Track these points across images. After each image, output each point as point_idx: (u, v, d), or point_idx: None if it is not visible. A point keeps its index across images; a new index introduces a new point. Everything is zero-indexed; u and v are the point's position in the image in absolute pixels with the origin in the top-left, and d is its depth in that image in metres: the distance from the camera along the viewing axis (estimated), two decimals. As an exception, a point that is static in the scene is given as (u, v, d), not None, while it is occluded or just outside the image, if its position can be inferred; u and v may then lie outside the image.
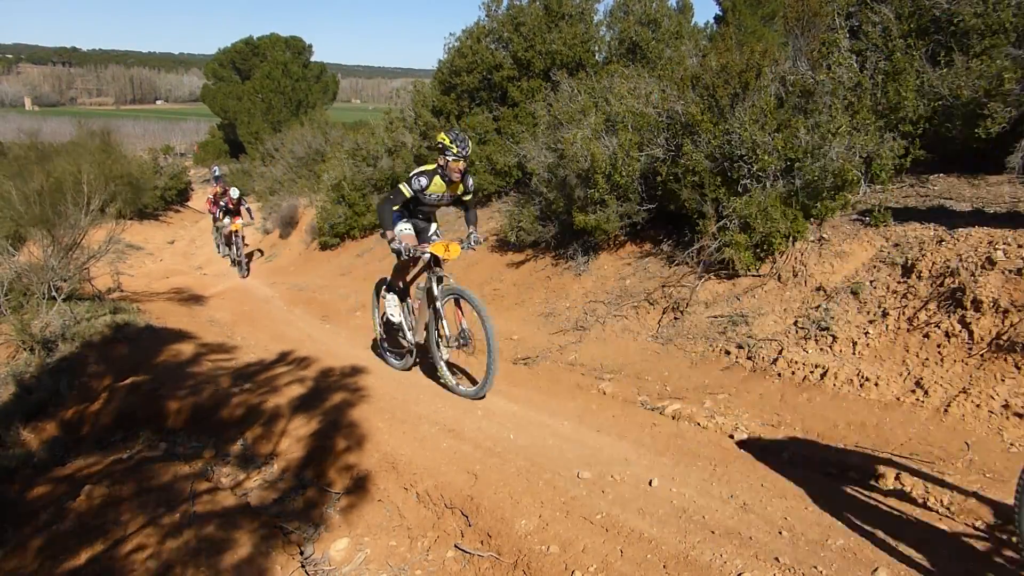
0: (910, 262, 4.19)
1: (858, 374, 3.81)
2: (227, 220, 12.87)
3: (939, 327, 3.72)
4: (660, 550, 2.54)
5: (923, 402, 3.47)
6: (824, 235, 4.92)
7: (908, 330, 3.87)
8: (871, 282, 4.34)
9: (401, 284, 5.05)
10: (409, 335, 5.00)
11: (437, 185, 4.55)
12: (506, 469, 3.27)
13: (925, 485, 2.88)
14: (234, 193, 12.79)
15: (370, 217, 11.52)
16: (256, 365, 5.35)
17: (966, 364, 3.50)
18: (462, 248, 4.52)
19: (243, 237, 13.00)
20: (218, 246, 15.15)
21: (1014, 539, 2.43)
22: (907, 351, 3.78)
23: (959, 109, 5.07)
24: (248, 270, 12.68)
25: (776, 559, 2.42)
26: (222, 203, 13.07)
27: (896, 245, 4.49)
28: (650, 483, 3.09)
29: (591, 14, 10.21)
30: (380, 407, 4.17)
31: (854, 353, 3.98)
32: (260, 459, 3.91)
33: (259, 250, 15.09)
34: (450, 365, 4.71)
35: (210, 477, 3.75)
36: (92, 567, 2.88)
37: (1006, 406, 3.22)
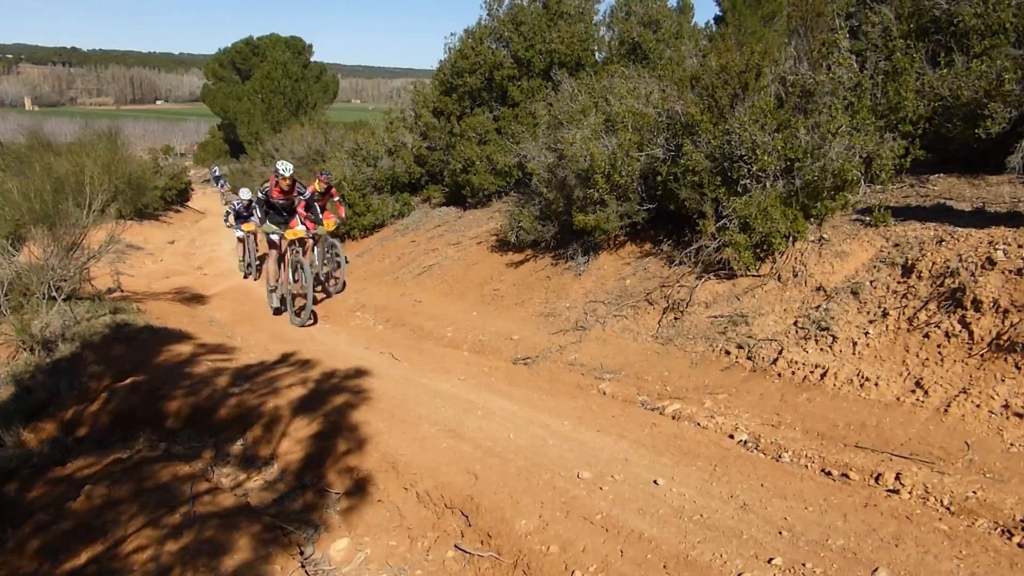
0: (910, 262, 4.19)
1: (858, 374, 3.81)
2: (268, 225, 7.57)
3: (939, 327, 3.72)
4: (660, 550, 2.54)
5: (923, 402, 3.47)
6: (824, 235, 4.92)
7: (908, 330, 3.86)
8: (871, 282, 4.34)
9: None
10: None
11: None
12: (506, 469, 3.27)
13: (925, 485, 2.88)
14: (283, 169, 7.41)
15: (370, 217, 11.52)
16: (256, 365, 5.35)
17: (966, 364, 3.50)
18: None
19: (343, 257, 8.70)
20: (248, 267, 11.33)
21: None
22: (907, 351, 3.78)
23: (959, 109, 5.07)
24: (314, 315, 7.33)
25: (776, 559, 2.42)
26: (260, 193, 7.76)
27: (896, 245, 4.49)
28: (650, 483, 3.09)
29: (591, 14, 10.23)
30: (380, 407, 4.17)
31: (854, 353, 3.98)
32: (260, 459, 3.91)
33: (324, 293, 8.71)
34: None
35: (210, 477, 3.75)
36: (92, 567, 2.88)
37: (1006, 406, 3.22)
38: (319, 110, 29.95)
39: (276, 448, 3.91)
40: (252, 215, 11.41)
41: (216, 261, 14.91)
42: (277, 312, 7.84)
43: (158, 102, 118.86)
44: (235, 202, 11.89)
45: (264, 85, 33.66)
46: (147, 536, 3.02)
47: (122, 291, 9.28)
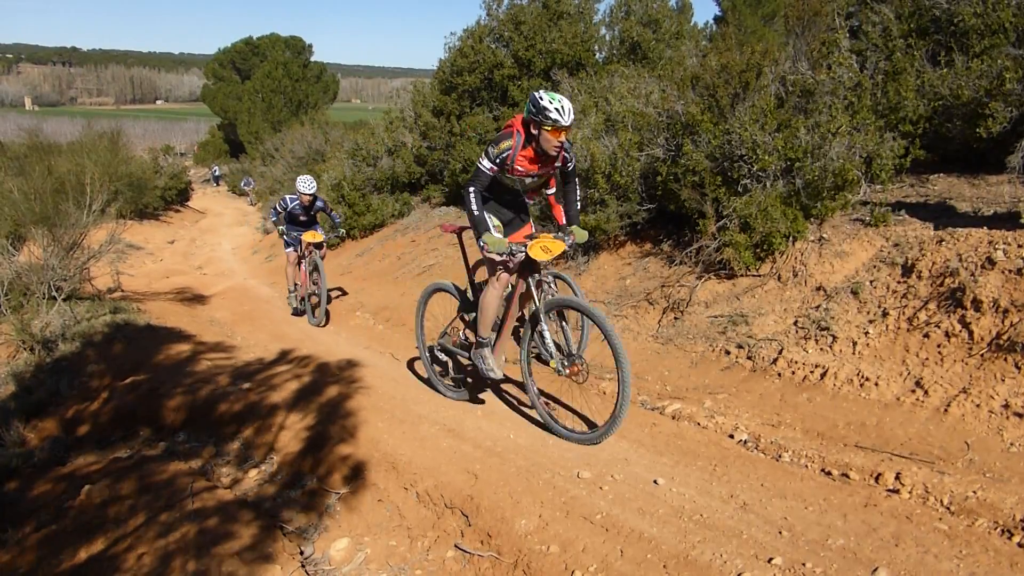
0: (910, 262, 4.19)
1: (858, 374, 3.81)
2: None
3: (939, 327, 3.72)
4: (660, 550, 2.54)
5: (923, 402, 3.47)
6: (824, 235, 4.92)
7: (908, 330, 3.86)
8: (871, 282, 4.34)
9: None
10: None
11: None
12: (506, 469, 3.27)
13: (925, 485, 2.88)
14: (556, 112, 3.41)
15: (370, 217, 11.52)
16: (256, 364, 5.35)
17: (966, 364, 3.50)
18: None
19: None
20: (304, 301, 7.75)
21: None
22: (907, 351, 3.78)
23: (959, 109, 5.07)
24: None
25: (776, 559, 2.42)
26: (496, 159, 3.55)
27: (896, 245, 4.49)
28: (650, 483, 3.09)
29: (591, 13, 10.23)
30: (380, 407, 4.17)
31: (854, 353, 3.98)
32: (259, 458, 3.91)
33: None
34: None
35: (209, 476, 3.75)
36: (92, 566, 2.88)
37: (1006, 406, 3.22)
38: (319, 110, 29.94)
39: (275, 447, 3.91)
40: (314, 219, 7.71)
41: (216, 261, 14.92)
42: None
43: (158, 102, 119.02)
44: (286, 198, 7.58)
45: (264, 85, 33.67)
46: (146, 535, 3.01)
47: (122, 291, 9.28)
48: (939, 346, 3.66)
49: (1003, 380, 3.31)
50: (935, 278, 3.97)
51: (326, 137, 18.14)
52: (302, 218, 7.64)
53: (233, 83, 36.36)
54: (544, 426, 3.77)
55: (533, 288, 3.73)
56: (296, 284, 7.92)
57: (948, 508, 2.75)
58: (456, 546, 2.84)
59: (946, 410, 3.36)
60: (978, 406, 3.29)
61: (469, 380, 4.34)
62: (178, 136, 57.90)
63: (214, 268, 14.21)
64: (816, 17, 6.01)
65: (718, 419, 3.82)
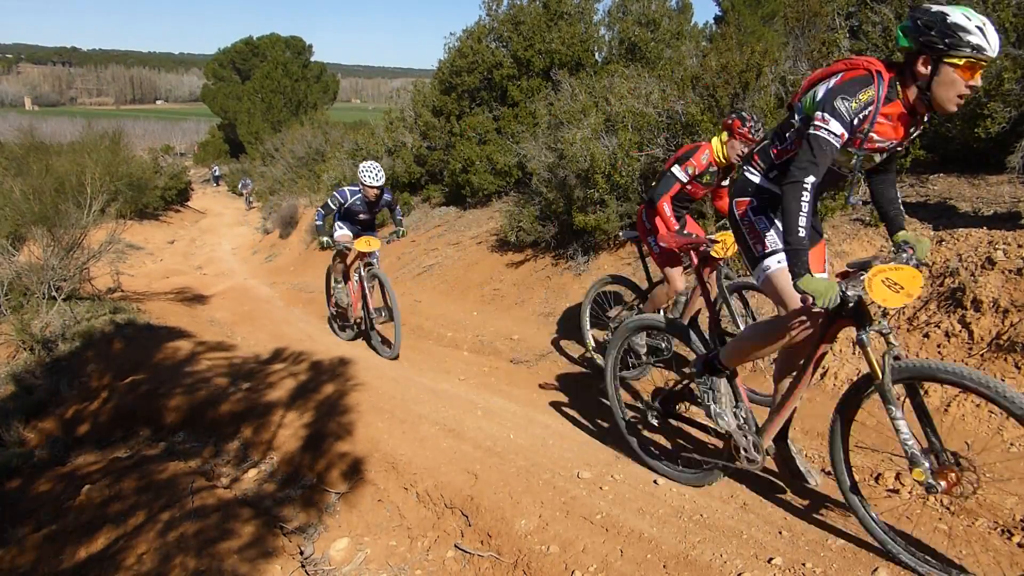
0: (910, 262, 4.19)
1: (858, 373, 3.80)
2: None
3: (939, 327, 3.72)
4: (660, 550, 2.54)
5: (923, 402, 3.47)
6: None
7: (908, 330, 3.86)
8: (871, 282, 4.34)
9: None
10: None
11: None
12: (506, 469, 3.27)
13: (925, 485, 2.88)
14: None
15: (370, 217, 11.52)
16: (255, 365, 5.35)
17: (966, 364, 3.50)
18: None
19: None
20: (356, 325, 6.31)
21: None
22: (907, 351, 3.78)
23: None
24: None
25: (776, 559, 2.42)
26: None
27: (896, 245, 4.48)
28: (650, 483, 3.09)
29: (590, 14, 10.22)
30: (380, 407, 4.17)
31: (854, 353, 3.98)
32: (259, 458, 3.91)
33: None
34: None
35: (209, 476, 3.75)
36: (92, 564, 2.89)
37: (1006, 406, 3.22)
38: (319, 110, 29.95)
39: (275, 446, 3.91)
40: (375, 219, 6.24)
41: (216, 261, 14.92)
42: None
43: (158, 102, 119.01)
44: (345, 191, 5.98)
45: (264, 85, 33.66)
46: (146, 534, 3.02)
47: (122, 291, 9.28)
48: (939, 346, 3.66)
49: (1003, 380, 3.31)
50: (935, 278, 3.97)
51: (326, 137, 18.14)
52: (361, 216, 6.01)
53: (233, 83, 36.36)
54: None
55: (868, 347, 2.36)
56: (347, 298, 6.19)
57: (948, 508, 2.75)
58: (456, 546, 2.84)
59: (946, 410, 3.36)
60: (978, 406, 3.29)
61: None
62: (178, 136, 57.88)
63: (214, 268, 14.22)
64: (816, 17, 6.02)
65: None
